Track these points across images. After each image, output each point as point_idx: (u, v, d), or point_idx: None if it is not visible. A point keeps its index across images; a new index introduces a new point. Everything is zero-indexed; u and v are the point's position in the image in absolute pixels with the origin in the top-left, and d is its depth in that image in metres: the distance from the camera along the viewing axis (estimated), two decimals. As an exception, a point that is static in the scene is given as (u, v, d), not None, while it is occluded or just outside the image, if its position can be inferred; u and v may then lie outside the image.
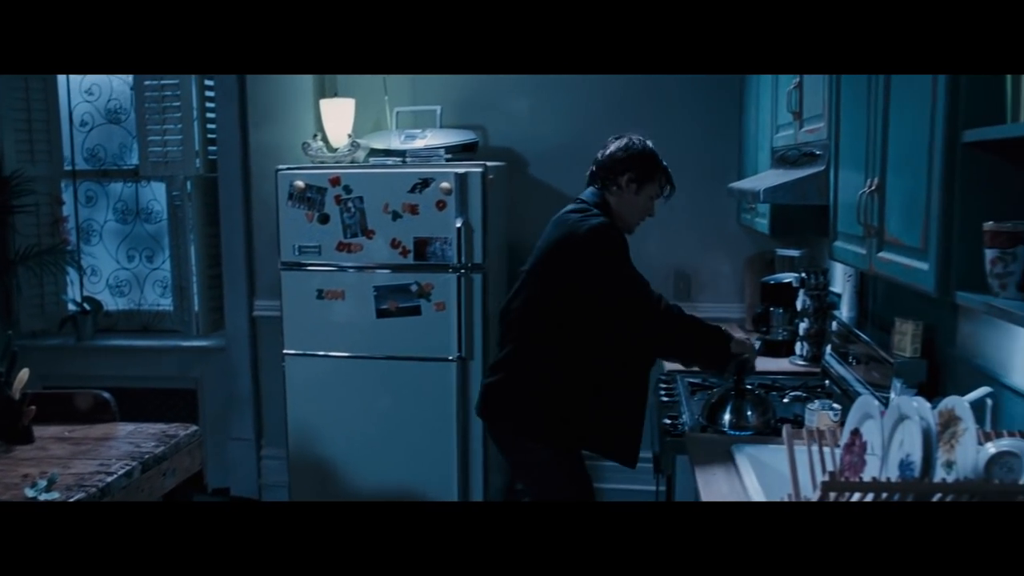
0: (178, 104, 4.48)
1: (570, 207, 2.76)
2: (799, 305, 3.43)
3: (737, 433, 2.60)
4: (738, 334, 3.02)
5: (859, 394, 2.62)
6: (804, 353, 3.43)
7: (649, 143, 2.78)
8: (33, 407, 2.77)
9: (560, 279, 2.64)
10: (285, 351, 3.87)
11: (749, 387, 2.75)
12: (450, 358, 3.67)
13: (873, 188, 1.96)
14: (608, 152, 2.75)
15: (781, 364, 3.43)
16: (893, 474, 1.54)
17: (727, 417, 2.66)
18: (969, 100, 1.55)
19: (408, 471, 3.77)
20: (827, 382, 3.12)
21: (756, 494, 2.00)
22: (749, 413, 2.66)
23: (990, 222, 1.50)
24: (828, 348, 3.22)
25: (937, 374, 2.41)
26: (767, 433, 2.60)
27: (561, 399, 2.64)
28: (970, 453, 1.48)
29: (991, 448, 1.52)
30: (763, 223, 3.28)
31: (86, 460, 2.58)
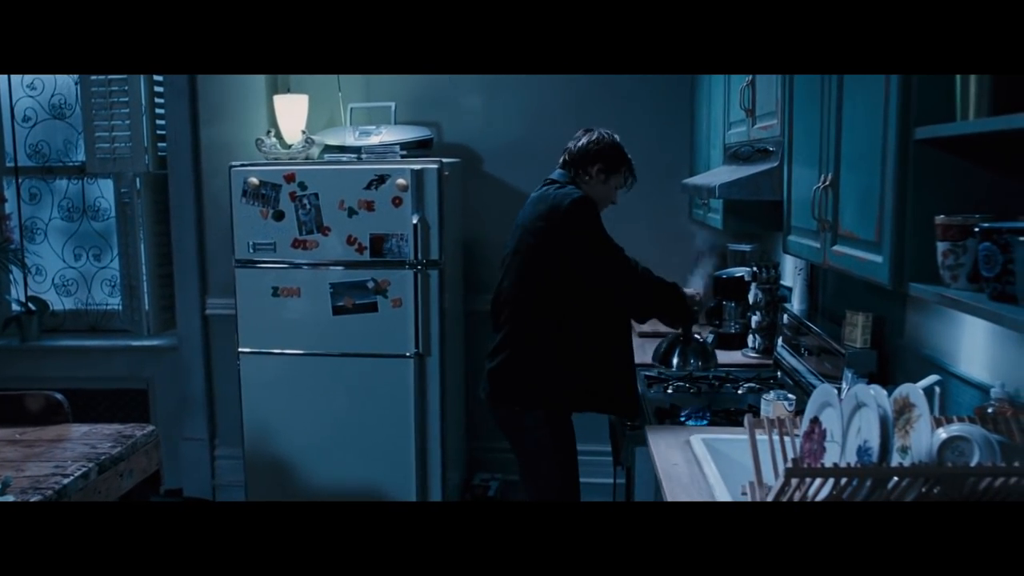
0: (126, 100, 4.40)
1: (546, 186, 2.89)
2: (751, 298, 3.50)
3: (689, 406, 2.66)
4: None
5: (812, 384, 2.70)
6: (756, 345, 3.50)
7: (616, 137, 2.95)
8: (-17, 409, 2.71)
9: (548, 251, 2.77)
10: (240, 349, 3.83)
11: (696, 336, 3.01)
12: (407, 354, 3.67)
13: (827, 184, 2.02)
14: (580, 144, 2.92)
15: (734, 356, 3.50)
16: (851, 460, 1.60)
17: (676, 360, 2.98)
18: (921, 98, 1.61)
19: (366, 468, 3.77)
20: (779, 373, 3.20)
21: (716, 482, 2.05)
22: (692, 360, 2.98)
23: (941, 216, 1.55)
24: (780, 340, 3.30)
25: (886, 364, 2.49)
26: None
27: (560, 369, 2.80)
28: (924, 438, 1.54)
29: (943, 433, 1.57)
30: (716, 218, 3.33)
31: (40, 462, 2.53)
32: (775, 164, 2.51)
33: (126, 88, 4.39)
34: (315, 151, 4.00)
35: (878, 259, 1.75)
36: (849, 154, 1.92)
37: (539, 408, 2.83)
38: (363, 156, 3.89)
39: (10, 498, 2.23)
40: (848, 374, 2.49)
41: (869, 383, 2.28)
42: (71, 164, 4.69)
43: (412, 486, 3.75)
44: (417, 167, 3.61)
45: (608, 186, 2.92)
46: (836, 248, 2.00)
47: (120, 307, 4.71)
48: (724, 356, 3.45)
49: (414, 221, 3.59)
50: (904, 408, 1.62)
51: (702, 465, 2.20)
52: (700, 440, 2.35)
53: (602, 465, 3.75)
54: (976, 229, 1.46)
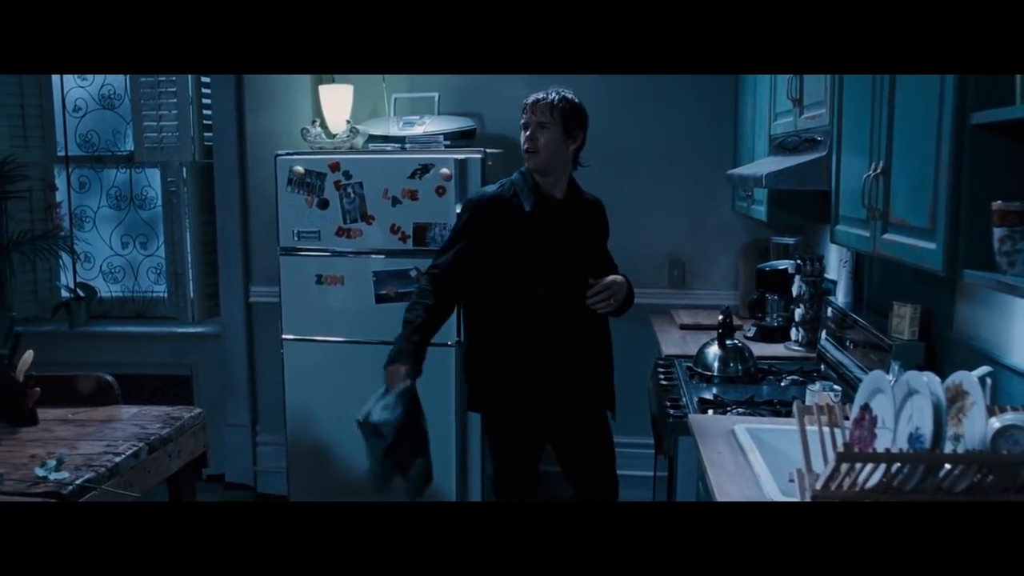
0: (173, 90, 4.47)
1: None
2: (795, 291, 3.47)
3: (731, 398, 2.65)
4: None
5: (857, 378, 2.67)
6: (799, 339, 3.47)
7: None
8: (37, 388, 2.78)
9: None
10: (283, 336, 3.88)
11: (729, 343, 3.10)
12: (449, 343, 3.68)
13: (878, 171, 2.00)
14: None
15: (776, 350, 3.48)
16: (903, 447, 1.58)
17: (716, 365, 3.08)
18: (978, 82, 1.59)
19: (406, 456, 3.79)
20: (823, 367, 3.17)
21: (762, 471, 2.03)
22: (732, 364, 3.07)
23: (999, 201, 1.54)
24: (823, 333, 3.27)
25: (935, 356, 2.46)
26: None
27: (474, 361, 2.99)
28: (978, 426, 1.52)
29: (996, 422, 1.56)
30: (760, 210, 3.31)
31: (92, 441, 2.59)
32: (823, 153, 2.49)
33: (174, 79, 4.45)
34: (359, 141, 4.04)
35: (931, 246, 1.73)
36: (902, 141, 1.90)
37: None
38: (407, 146, 3.92)
39: (65, 474, 2.28)
40: (895, 366, 2.46)
41: (917, 374, 2.27)
42: (120, 153, 4.77)
43: (452, 475, 3.77)
44: (461, 157, 3.62)
45: None
46: (887, 236, 1.99)
47: (165, 294, 4.78)
48: (766, 349, 3.43)
49: (457, 210, 3.60)
50: (957, 396, 1.60)
51: (747, 454, 2.18)
52: (745, 429, 2.33)
53: (643, 458, 3.75)
54: (1035, 214, 1.44)
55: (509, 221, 2.79)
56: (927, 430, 1.53)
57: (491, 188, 2.88)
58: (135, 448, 2.53)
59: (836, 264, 3.36)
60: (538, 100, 2.76)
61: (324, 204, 3.75)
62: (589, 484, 3.01)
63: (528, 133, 2.76)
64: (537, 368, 2.82)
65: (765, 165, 2.91)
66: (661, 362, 3.33)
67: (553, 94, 2.77)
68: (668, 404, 2.80)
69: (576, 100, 2.81)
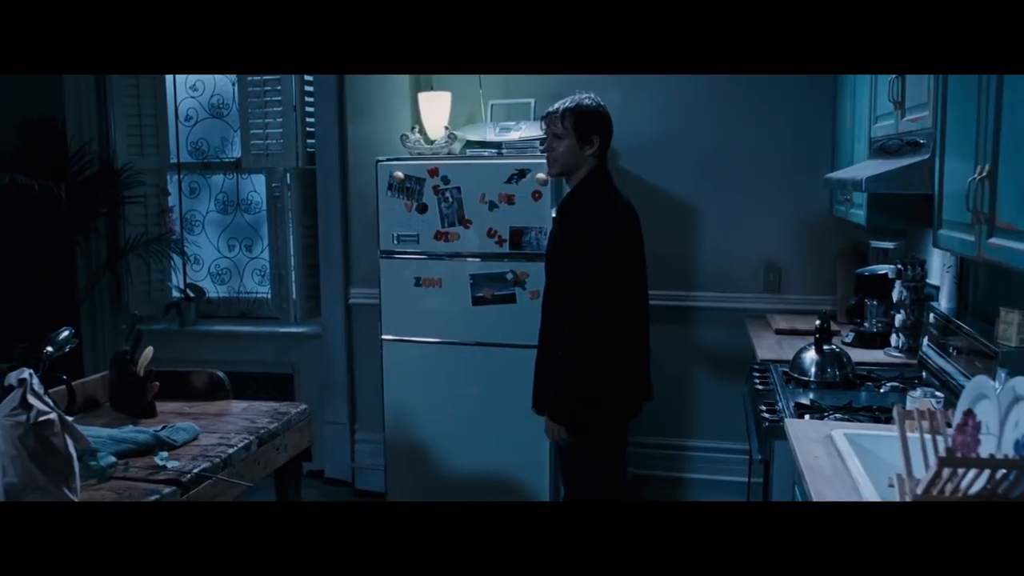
0: (279, 99, 4.65)
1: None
2: (895, 296, 3.41)
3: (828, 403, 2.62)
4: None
5: (961, 385, 2.61)
6: (900, 345, 3.40)
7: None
8: (156, 383, 2.94)
9: None
10: (383, 337, 4.00)
11: (826, 348, 3.04)
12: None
13: (984, 175, 1.97)
14: None
15: (876, 356, 3.41)
16: (1009, 454, 1.56)
17: (813, 371, 3.03)
18: (1090, 84, 1.56)
19: (501, 456, 3.86)
20: (924, 373, 3.10)
21: (860, 476, 2.02)
22: (829, 369, 3.02)
23: (1111, 205, 1.51)
24: (925, 340, 3.20)
25: (1044, 364, 2.39)
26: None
27: None
28: (1089, 433, 1.49)
29: (1107, 431, 1.52)
30: (859, 214, 3.26)
31: (207, 433, 2.72)
32: (925, 157, 2.45)
33: (279, 88, 4.64)
34: (457, 146, 4.13)
35: (1040, 250, 1.70)
36: (1009, 143, 1.87)
37: None
38: (503, 151, 3.99)
39: (178, 463, 2.41)
40: (1002, 374, 2.40)
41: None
42: (227, 160, 4.99)
43: (545, 476, 3.82)
44: (556, 162, 3.67)
45: None
46: (992, 240, 1.95)
47: (269, 295, 4.98)
48: (865, 355, 3.37)
49: (553, 214, 3.66)
50: (1066, 403, 1.58)
51: (845, 459, 2.17)
52: (842, 435, 2.31)
53: (737, 463, 3.74)
54: None
55: None
56: (1034, 437, 1.51)
57: None
58: (246, 441, 2.65)
59: (938, 269, 3.28)
60: (548, 113, 2.93)
61: (423, 208, 3.85)
62: None
63: (546, 145, 2.96)
64: None
65: (865, 169, 2.87)
66: (756, 367, 3.31)
67: (560, 105, 2.90)
68: (764, 408, 2.79)
69: (589, 104, 2.89)
